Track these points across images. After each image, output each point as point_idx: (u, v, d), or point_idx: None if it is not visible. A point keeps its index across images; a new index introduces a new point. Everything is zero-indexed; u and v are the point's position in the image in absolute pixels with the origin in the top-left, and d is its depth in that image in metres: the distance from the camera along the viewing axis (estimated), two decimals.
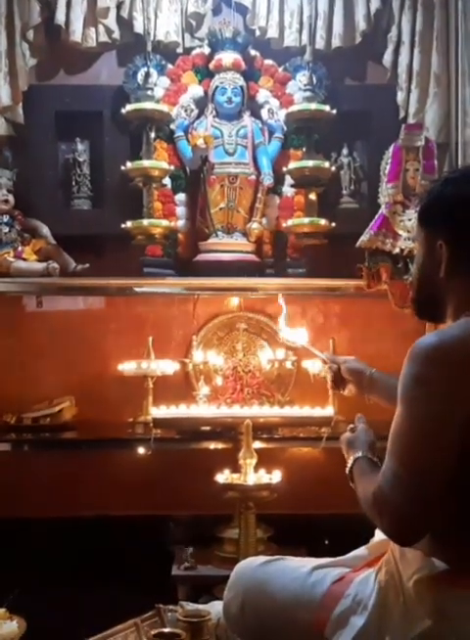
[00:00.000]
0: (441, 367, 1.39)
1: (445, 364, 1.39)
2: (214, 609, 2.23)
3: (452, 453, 1.37)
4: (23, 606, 2.36)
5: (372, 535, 1.78)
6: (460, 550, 1.45)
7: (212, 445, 3.08)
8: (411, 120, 3.33)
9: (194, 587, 2.85)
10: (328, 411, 3.00)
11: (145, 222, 3.24)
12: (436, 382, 1.38)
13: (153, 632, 2.17)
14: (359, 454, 1.64)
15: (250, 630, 1.77)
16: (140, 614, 2.39)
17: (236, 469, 2.69)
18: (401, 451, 1.40)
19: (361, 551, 1.77)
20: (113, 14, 3.39)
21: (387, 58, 3.43)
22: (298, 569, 1.71)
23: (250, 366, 3.38)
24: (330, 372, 2.05)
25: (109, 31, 3.41)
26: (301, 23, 3.41)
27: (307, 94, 3.31)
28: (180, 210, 3.41)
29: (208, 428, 3.08)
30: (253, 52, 3.44)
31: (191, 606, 2.37)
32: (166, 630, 2.20)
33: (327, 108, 3.28)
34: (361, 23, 3.39)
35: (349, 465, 1.66)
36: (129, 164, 3.24)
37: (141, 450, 3.03)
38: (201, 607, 2.34)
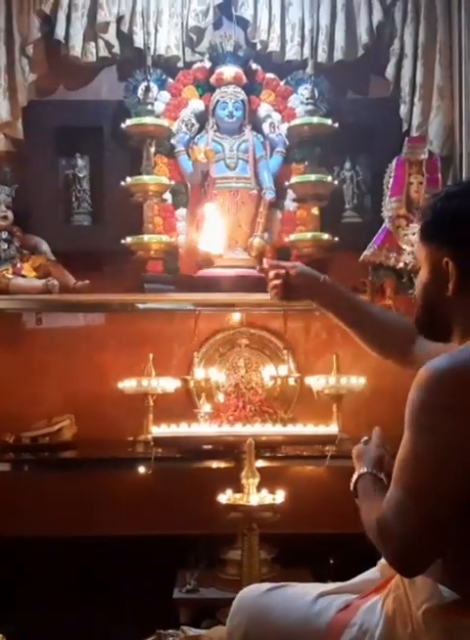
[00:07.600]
0: (452, 394, 1.32)
1: (457, 391, 1.32)
2: (217, 634, 2.17)
3: (462, 484, 1.31)
4: (19, 628, 2.31)
5: (378, 555, 1.73)
6: None
7: (214, 464, 3.03)
8: (414, 133, 3.29)
9: (196, 611, 2.80)
10: (332, 429, 2.95)
11: (145, 238, 3.22)
12: (447, 410, 1.32)
13: None
14: (364, 470, 1.57)
15: None
16: (140, 639, 2.35)
17: (239, 488, 2.65)
18: (408, 481, 1.34)
19: (371, 573, 1.70)
20: (113, 28, 3.37)
21: (389, 71, 3.39)
22: (302, 596, 1.65)
23: (252, 383, 3.32)
24: (278, 279, 1.89)
25: (109, 46, 3.39)
26: (302, 37, 3.39)
27: (309, 108, 3.28)
28: (181, 225, 3.38)
29: (209, 446, 3.02)
30: (254, 66, 3.41)
31: (193, 631, 2.33)
32: None
33: (329, 121, 3.25)
34: (363, 36, 3.35)
35: (353, 479, 1.60)
36: (129, 180, 3.22)
37: (142, 469, 2.99)
38: (203, 632, 2.30)
